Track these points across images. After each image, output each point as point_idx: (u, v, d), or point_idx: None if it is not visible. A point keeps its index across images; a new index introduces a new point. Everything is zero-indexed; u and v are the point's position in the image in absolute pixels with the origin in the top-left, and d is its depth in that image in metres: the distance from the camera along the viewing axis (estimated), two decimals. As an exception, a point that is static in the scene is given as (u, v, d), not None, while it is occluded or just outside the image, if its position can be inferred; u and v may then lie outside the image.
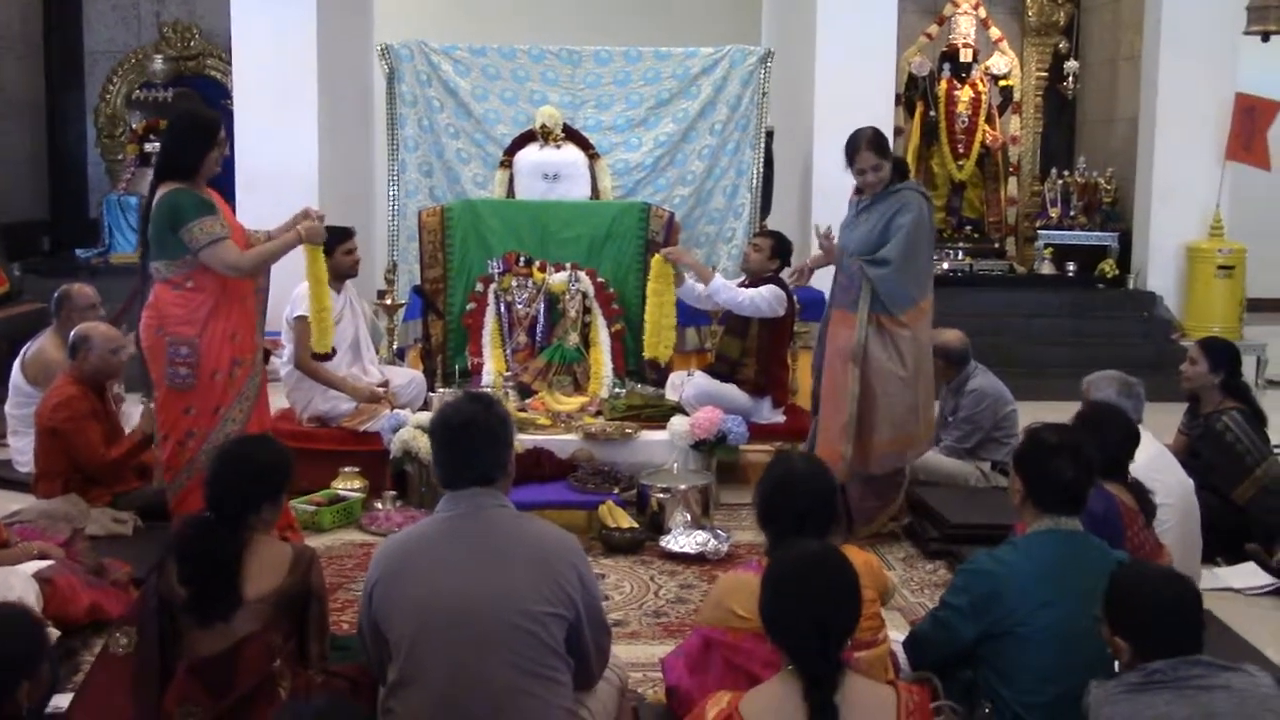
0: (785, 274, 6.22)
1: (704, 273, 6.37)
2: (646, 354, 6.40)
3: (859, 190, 5.47)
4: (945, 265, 9.88)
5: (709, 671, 3.17)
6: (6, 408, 6.26)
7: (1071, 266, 9.85)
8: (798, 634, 2.56)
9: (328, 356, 5.80)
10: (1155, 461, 4.51)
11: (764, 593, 2.65)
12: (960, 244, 10.22)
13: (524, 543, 3.00)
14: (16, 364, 6.22)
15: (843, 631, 2.60)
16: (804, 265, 5.77)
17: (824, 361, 5.46)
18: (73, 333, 5.51)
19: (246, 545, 3.16)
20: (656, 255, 6.39)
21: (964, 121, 10.16)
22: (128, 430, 5.59)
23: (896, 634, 3.56)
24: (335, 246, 5.90)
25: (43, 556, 4.29)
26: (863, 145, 5.30)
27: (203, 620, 3.07)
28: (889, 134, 8.74)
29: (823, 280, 6.00)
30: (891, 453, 5.37)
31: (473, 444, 3.05)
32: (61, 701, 3.29)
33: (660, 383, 6.73)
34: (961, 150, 10.21)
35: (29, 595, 3.93)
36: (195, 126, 4.73)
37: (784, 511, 3.16)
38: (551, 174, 7.75)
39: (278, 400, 5.81)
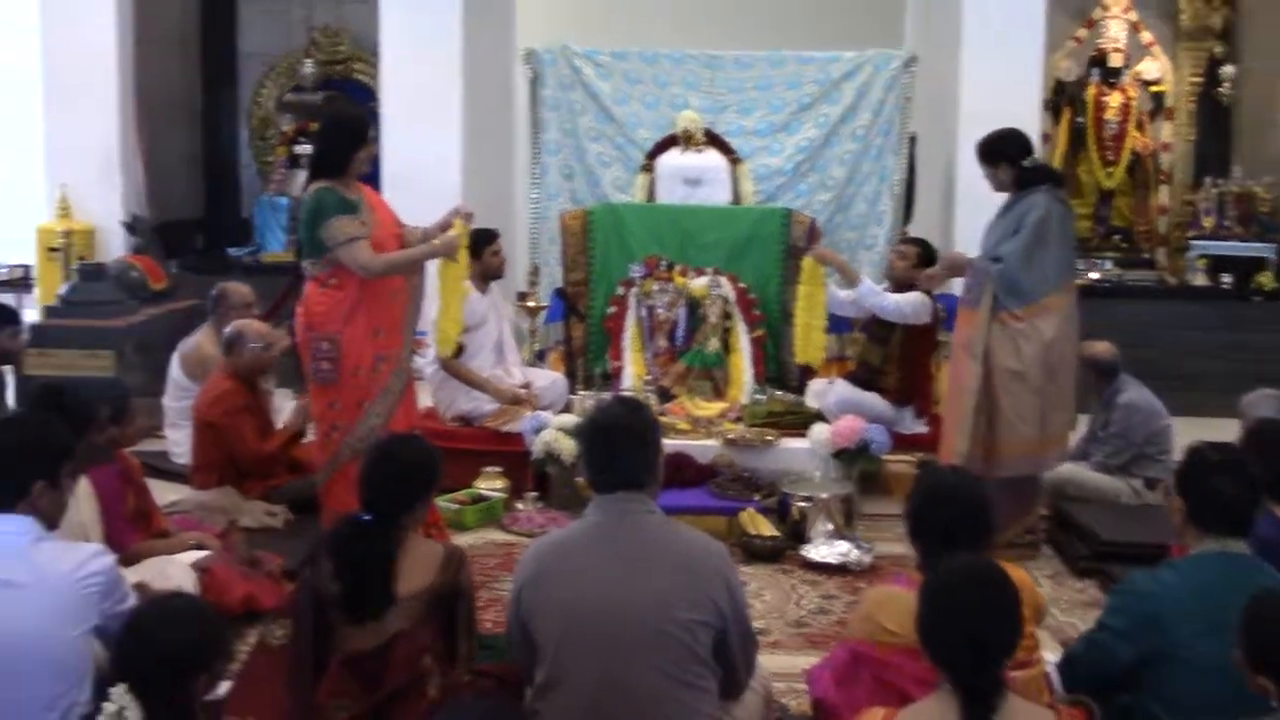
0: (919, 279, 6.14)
1: (851, 275, 6.31)
2: (798, 359, 6.35)
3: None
4: (1093, 275, 9.60)
5: (857, 686, 3.12)
6: (164, 400, 6.47)
7: (1226, 279, 9.49)
8: (958, 651, 2.50)
9: (454, 355, 5.85)
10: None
11: (922, 608, 2.59)
12: (1108, 254, 9.92)
13: (672, 549, 2.99)
14: (174, 358, 6.43)
15: (1004, 649, 2.53)
16: (934, 273, 5.68)
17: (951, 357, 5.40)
18: (227, 329, 5.67)
19: (399, 544, 3.21)
20: (807, 256, 6.33)
21: (1113, 128, 9.86)
22: (278, 424, 5.74)
23: (1050, 655, 3.46)
24: (482, 248, 6.00)
25: (200, 547, 4.42)
26: (976, 153, 5.38)
27: (355, 618, 3.13)
28: (1035, 139, 8.57)
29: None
30: (1019, 456, 5.21)
31: (621, 448, 3.06)
32: (220, 689, 3.38)
33: (800, 390, 6.68)
34: (1110, 157, 9.91)
35: (187, 584, 4.05)
36: (344, 125, 4.83)
37: (935, 525, 3.10)
38: (693, 178, 7.75)
39: (423, 399, 5.91)
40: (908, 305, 6.05)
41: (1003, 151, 5.31)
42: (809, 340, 6.25)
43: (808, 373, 6.71)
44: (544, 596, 2.96)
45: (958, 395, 5.27)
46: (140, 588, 3.59)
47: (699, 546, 3.03)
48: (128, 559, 4.05)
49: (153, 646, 2.58)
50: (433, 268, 5.04)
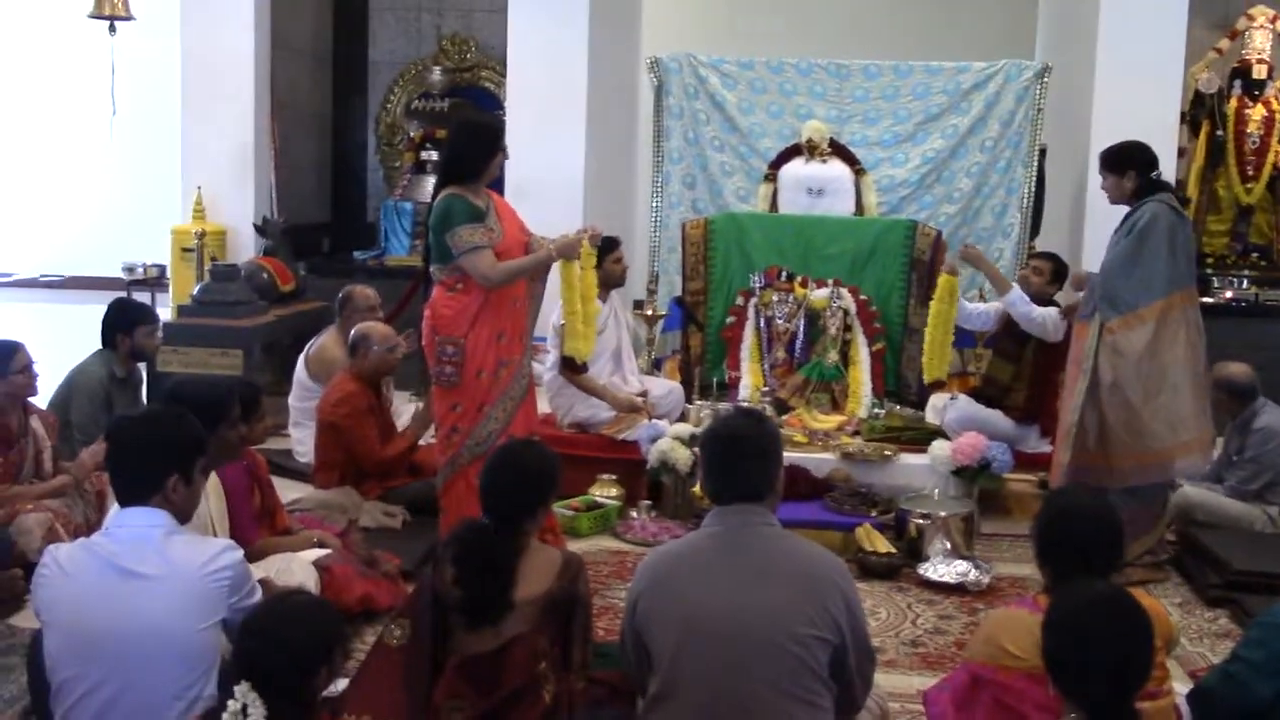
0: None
1: (1001, 282, 6.22)
2: (926, 377, 6.25)
3: None
4: (1229, 294, 9.31)
5: (976, 709, 3.04)
6: (290, 400, 6.60)
7: (1368, 298, 9.12)
8: (1088, 680, 2.43)
9: (579, 366, 5.85)
10: None
11: (1049, 635, 2.53)
12: (1246, 272, 9.60)
13: (791, 563, 2.96)
14: (301, 359, 6.57)
15: (1135, 681, 2.45)
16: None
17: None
18: (353, 331, 5.77)
19: (519, 549, 3.22)
20: (944, 272, 6.21)
21: (1255, 142, 9.53)
22: (399, 427, 5.82)
23: (1180, 686, 3.35)
24: (604, 255, 6.01)
25: (321, 545, 4.49)
26: (1101, 160, 5.30)
27: (475, 622, 3.14)
28: (1170, 154, 8.35)
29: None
30: (1132, 467, 5.08)
31: (743, 459, 3.03)
32: (337, 686, 3.43)
33: (920, 405, 6.58)
34: (1251, 172, 9.58)
35: (309, 581, 4.12)
36: (478, 132, 4.85)
37: (1065, 546, 3.02)
38: (816, 189, 7.69)
39: (540, 405, 5.94)
40: (1049, 320, 5.94)
41: (1132, 159, 5.19)
42: (940, 356, 6.15)
43: (927, 388, 6.59)
44: (660, 606, 2.94)
45: (1065, 409, 5.22)
46: (264, 583, 3.65)
47: (819, 561, 2.99)
48: (252, 554, 4.12)
49: (274, 643, 2.62)
50: (555, 274, 5.06)
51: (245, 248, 8.99)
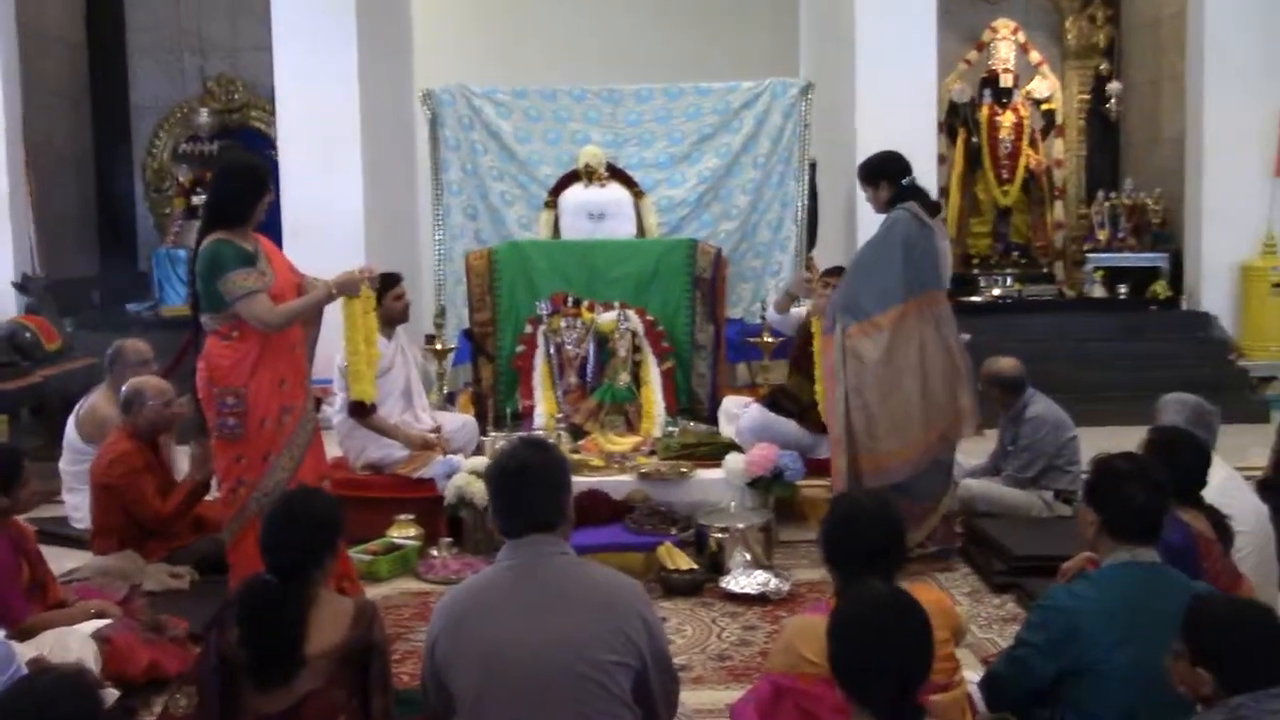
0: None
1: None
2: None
3: None
4: (996, 291, 9.79)
5: (781, 719, 3.09)
6: (61, 464, 6.26)
7: (1123, 289, 9.71)
8: (869, 684, 2.48)
9: (367, 409, 5.70)
10: (1227, 485, 4.36)
11: (831, 642, 2.57)
12: (1008, 269, 10.12)
13: (587, 591, 2.94)
14: (70, 421, 6.24)
15: (916, 679, 2.51)
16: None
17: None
18: (124, 388, 5.51)
19: (308, 602, 3.11)
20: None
21: (1007, 146, 10.08)
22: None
23: (972, 674, 3.46)
24: (384, 292, 5.89)
25: (100, 615, 4.26)
26: (859, 174, 5.54)
27: (263, 683, 3.02)
28: (931, 161, 8.72)
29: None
30: (882, 469, 5.26)
31: (531, 490, 3.00)
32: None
33: (712, 419, 6.67)
34: (1005, 175, 10.12)
35: (88, 655, 3.89)
36: (245, 175, 4.69)
37: (850, 549, 3.09)
38: (597, 213, 7.74)
39: (330, 449, 5.79)
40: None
41: (885, 171, 5.42)
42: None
43: (716, 401, 6.72)
44: (458, 647, 2.89)
45: (831, 418, 5.39)
46: (37, 662, 3.45)
47: (615, 586, 2.99)
48: (24, 632, 3.90)
49: None
50: (336, 314, 4.94)
51: (6, 307, 8.52)
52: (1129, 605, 3.07)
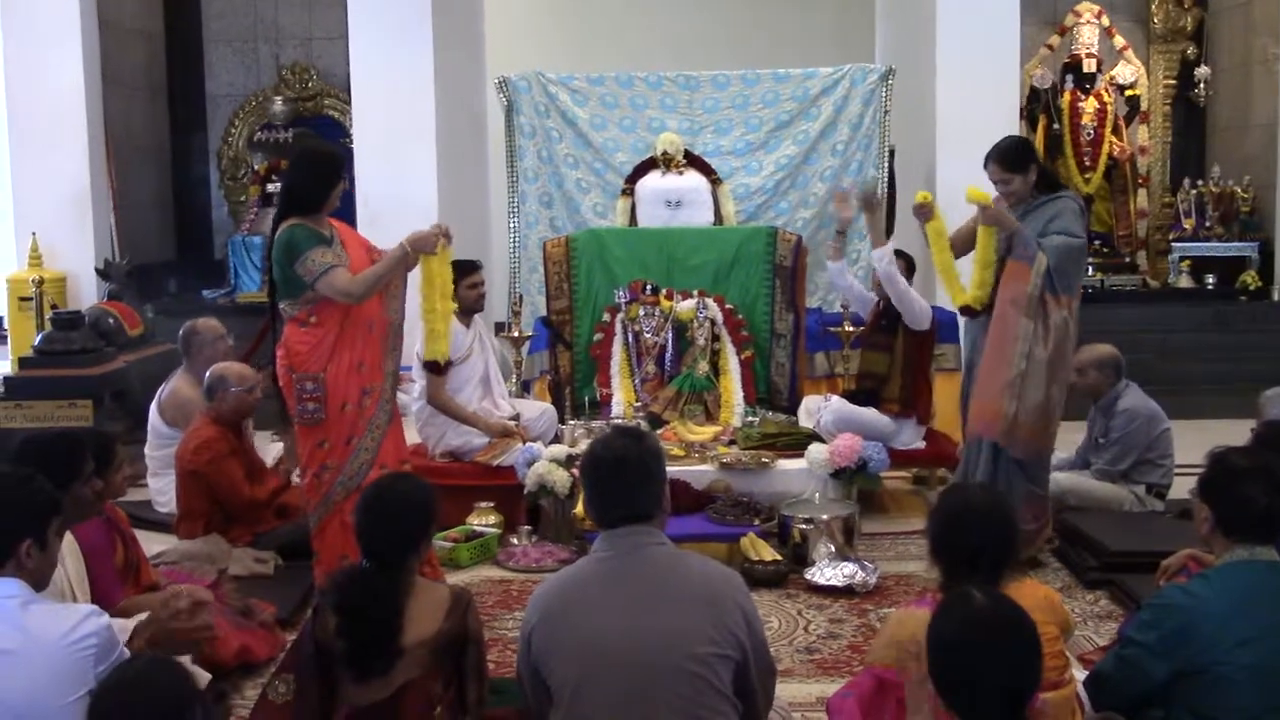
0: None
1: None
2: (956, 302, 5.44)
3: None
4: (1077, 282, 9.60)
5: (883, 714, 3.02)
6: (146, 449, 6.31)
7: (1210, 279, 9.47)
8: (978, 702, 2.35)
9: (442, 368, 5.55)
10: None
11: (933, 659, 2.44)
12: (1090, 260, 9.90)
13: (687, 582, 2.89)
14: (153, 405, 6.29)
15: (1026, 693, 2.37)
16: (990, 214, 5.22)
17: (993, 316, 5.17)
18: (208, 374, 5.54)
19: (404, 590, 3.08)
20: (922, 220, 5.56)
21: (1089, 133, 9.86)
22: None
23: (1080, 672, 3.37)
24: (459, 280, 5.85)
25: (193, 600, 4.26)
26: (989, 160, 5.23)
27: (362, 674, 2.99)
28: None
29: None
30: (1028, 440, 5.09)
31: (627, 481, 2.95)
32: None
33: (792, 410, 6.59)
34: (1088, 163, 9.90)
35: (180, 639, 3.90)
36: (320, 162, 4.72)
37: (959, 545, 3.01)
38: (674, 200, 7.68)
39: (409, 436, 5.78)
40: (920, 303, 5.99)
41: (1030, 155, 5.25)
42: (952, 280, 5.40)
43: (797, 394, 6.63)
44: (557, 639, 2.84)
45: (1004, 351, 5.05)
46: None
47: (715, 577, 2.93)
48: (118, 615, 3.91)
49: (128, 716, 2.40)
50: (415, 302, 4.90)
51: (88, 293, 8.64)
52: (1251, 604, 2.97)
